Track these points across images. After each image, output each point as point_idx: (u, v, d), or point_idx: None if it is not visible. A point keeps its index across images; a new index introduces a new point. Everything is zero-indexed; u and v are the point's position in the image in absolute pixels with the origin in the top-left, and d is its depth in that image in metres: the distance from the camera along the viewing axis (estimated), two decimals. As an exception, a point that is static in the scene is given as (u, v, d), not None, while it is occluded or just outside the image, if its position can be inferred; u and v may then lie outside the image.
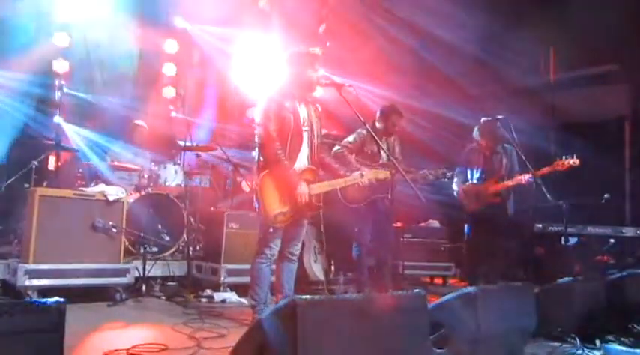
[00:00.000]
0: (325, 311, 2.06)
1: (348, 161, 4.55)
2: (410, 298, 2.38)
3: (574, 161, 4.79)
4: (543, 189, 4.89)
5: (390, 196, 4.19)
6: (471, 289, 2.75)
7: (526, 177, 4.93)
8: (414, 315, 2.37)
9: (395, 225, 6.23)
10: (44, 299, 1.73)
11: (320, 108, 3.75)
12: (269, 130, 3.42)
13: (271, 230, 3.45)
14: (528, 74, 8.31)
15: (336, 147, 5.02)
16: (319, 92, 3.87)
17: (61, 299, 1.73)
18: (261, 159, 3.56)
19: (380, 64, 7.91)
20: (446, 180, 5.03)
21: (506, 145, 5.24)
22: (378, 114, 5.06)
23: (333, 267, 5.45)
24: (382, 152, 4.90)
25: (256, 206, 3.51)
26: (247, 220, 4.79)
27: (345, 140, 5.03)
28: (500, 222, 5.19)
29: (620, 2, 6.72)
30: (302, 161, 3.53)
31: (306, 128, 3.56)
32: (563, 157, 4.85)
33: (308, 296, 2.08)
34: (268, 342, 2.07)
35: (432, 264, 6.46)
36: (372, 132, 4.07)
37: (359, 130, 4.99)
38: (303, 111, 3.57)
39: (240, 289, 4.53)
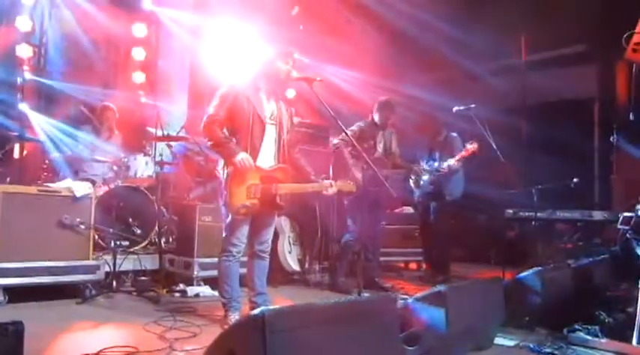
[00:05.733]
0: (294, 320, 2.05)
1: (345, 158, 4.83)
2: (379, 302, 2.39)
3: (473, 146, 5.24)
4: (511, 175, 5.03)
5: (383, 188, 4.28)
6: (441, 287, 2.78)
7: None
8: (384, 318, 2.39)
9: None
10: (1, 322, 1.68)
11: (293, 110, 3.71)
12: (217, 112, 3.36)
13: (229, 220, 3.43)
14: (500, 56, 8.35)
15: (335, 141, 5.06)
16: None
17: (19, 321, 1.68)
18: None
19: (353, 47, 7.84)
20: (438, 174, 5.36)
21: (452, 134, 5.65)
22: (374, 108, 5.22)
23: (307, 257, 5.45)
24: (378, 146, 5.02)
25: (221, 200, 3.47)
26: (220, 212, 4.72)
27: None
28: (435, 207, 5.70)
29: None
30: (268, 156, 3.48)
31: (273, 122, 3.49)
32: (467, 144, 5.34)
33: (277, 307, 2.08)
34: (237, 353, 2.06)
35: (406, 249, 6.52)
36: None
37: (359, 123, 5.18)
38: (270, 106, 3.51)
39: (213, 282, 4.47)
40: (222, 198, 3.48)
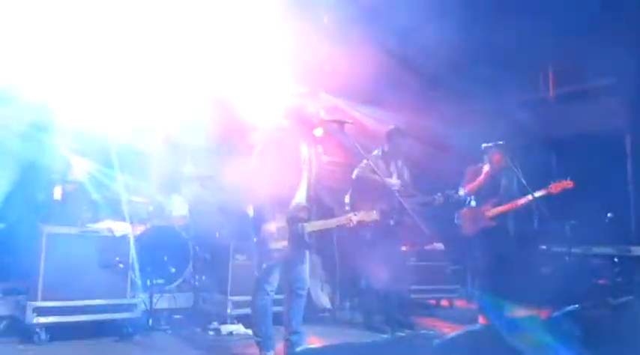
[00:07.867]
0: (329, 359, 2.09)
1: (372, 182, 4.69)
2: (414, 341, 2.39)
3: (567, 183, 4.89)
4: (544, 211, 4.93)
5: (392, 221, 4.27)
6: (476, 327, 2.76)
7: (520, 202, 5.05)
8: (419, 358, 2.39)
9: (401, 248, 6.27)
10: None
11: (321, 149, 3.81)
12: (264, 165, 3.44)
13: (265, 266, 3.48)
14: (527, 90, 8.36)
15: (356, 171, 5.05)
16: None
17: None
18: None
19: (380, 84, 7.96)
20: (456, 198, 5.21)
21: (508, 170, 5.32)
22: (384, 138, 5.16)
23: (338, 294, 5.45)
24: (392, 176, 5.03)
25: (252, 240, 3.52)
26: (252, 251, 4.79)
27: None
28: (500, 244, 5.27)
29: (617, 15, 6.79)
30: (299, 198, 3.55)
31: (305, 167, 3.59)
32: (556, 180, 4.97)
33: (311, 346, 2.12)
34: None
35: (438, 286, 6.45)
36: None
37: (373, 153, 5.10)
38: (304, 150, 3.61)
39: (247, 320, 4.52)
40: (253, 242, 3.52)
